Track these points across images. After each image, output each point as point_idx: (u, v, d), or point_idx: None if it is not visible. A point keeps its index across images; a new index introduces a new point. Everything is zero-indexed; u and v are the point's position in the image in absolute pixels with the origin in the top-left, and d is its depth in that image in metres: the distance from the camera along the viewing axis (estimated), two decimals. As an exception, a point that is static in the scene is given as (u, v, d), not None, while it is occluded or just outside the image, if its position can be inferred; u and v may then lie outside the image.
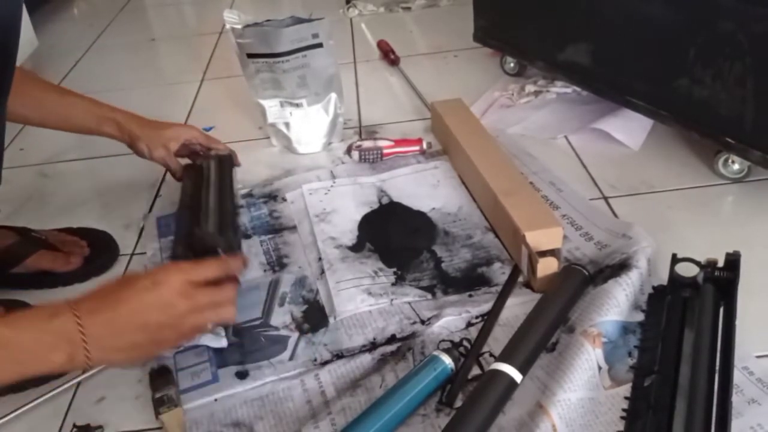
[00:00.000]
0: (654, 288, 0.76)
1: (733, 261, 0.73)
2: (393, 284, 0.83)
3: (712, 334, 0.67)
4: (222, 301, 0.67)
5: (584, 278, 0.77)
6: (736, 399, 0.63)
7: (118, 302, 0.61)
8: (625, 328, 0.71)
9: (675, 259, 0.75)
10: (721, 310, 0.71)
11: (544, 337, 0.71)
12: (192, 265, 0.67)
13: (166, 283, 0.62)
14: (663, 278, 0.76)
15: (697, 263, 0.74)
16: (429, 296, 0.81)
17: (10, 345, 0.55)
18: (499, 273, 0.83)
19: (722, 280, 0.72)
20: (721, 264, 0.73)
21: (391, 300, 0.80)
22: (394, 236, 0.92)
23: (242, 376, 0.73)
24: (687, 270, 0.74)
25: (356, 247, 0.90)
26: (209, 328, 0.70)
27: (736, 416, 0.61)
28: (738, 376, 0.65)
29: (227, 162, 0.98)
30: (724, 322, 0.69)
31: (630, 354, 0.69)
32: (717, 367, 0.64)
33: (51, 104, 0.93)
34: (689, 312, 0.70)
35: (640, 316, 0.73)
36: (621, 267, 0.77)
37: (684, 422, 0.58)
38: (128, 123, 0.96)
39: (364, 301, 0.79)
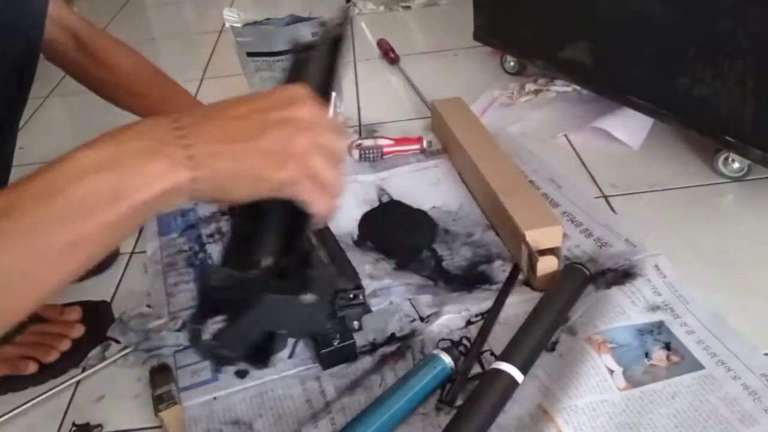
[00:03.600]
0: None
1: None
2: (394, 269, 0.83)
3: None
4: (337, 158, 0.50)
5: (585, 277, 0.77)
6: (752, 406, 0.62)
7: (225, 100, 0.48)
8: (640, 331, 0.71)
9: None
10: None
11: (545, 336, 0.71)
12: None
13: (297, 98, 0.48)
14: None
15: None
16: (431, 283, 0.81)
17: (105, 167, 0.41)
18: (500, 271, 0.83)
19: None
20: None
21: (391, 286, 0.80)
22: (394, 234, 0.92)
23: (242, 374, 0.73)
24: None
25: (358, 244, 0.90)
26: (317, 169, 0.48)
27: (752, 424, 0.61)
28: (755, 383, 0.64)
29: None
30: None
31: (647, 354, 0.68)
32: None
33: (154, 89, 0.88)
34: None
35: (658, 316, 0.73)
36: (625, 275, 0.77)
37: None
38: None
39: (367, 286, 0.79)
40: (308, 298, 0.47)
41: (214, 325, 0.44)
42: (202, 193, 0.44)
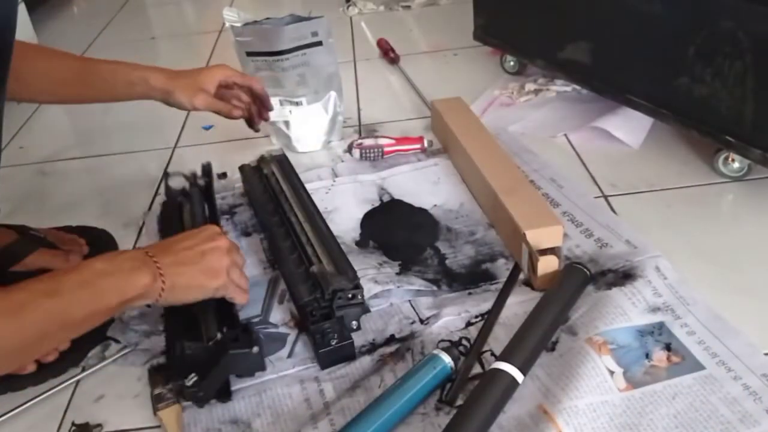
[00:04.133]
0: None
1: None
2: (398, 273, 0.83)
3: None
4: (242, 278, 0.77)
5: (585, 277, 0.77)
6: (753, 406, 0.62)
7: (173, 238, 0.73)
8: (641, 332, 0.71)
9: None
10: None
11: (545, 336, 0.71)
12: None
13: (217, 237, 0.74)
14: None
15: None
16: (434, 287, 0.81)
17: (110, 274, 0.63)
18: (504, 269, 0.83)
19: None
20: None
21: (397, 286, 0.80)
22: (397, 233, 0.92)
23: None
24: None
25: (361, 243, 0.90)
26: (234, 283, 0.74)
27: (753, 425, 0.61)
28: (756, 383, 0.64)
29: (287, 165, 0.99)
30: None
31: (648, 355, 0.68)
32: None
33: (73, 76, 0.92)
34: None
35: (659, 317, 0.73)
36: (626, 276, 0.77)
37: None
38: (156, 79, 0.95)
39: (371, 290, 0.79)
40: (255, 349, 0.70)
41: (191, 379, 0.67)
42: (164, 298, 0.67)
